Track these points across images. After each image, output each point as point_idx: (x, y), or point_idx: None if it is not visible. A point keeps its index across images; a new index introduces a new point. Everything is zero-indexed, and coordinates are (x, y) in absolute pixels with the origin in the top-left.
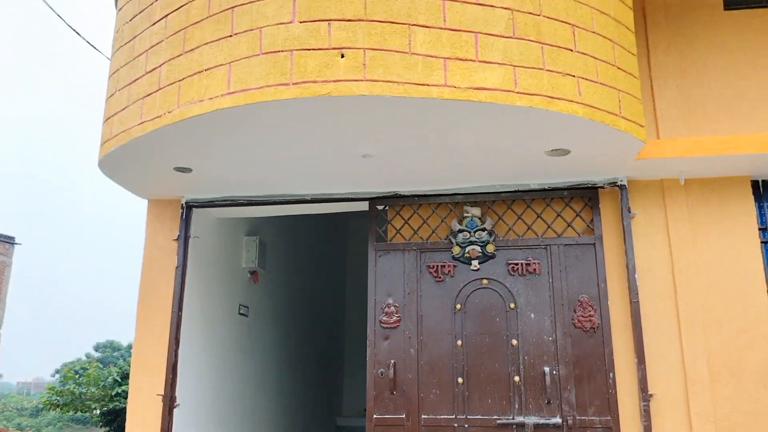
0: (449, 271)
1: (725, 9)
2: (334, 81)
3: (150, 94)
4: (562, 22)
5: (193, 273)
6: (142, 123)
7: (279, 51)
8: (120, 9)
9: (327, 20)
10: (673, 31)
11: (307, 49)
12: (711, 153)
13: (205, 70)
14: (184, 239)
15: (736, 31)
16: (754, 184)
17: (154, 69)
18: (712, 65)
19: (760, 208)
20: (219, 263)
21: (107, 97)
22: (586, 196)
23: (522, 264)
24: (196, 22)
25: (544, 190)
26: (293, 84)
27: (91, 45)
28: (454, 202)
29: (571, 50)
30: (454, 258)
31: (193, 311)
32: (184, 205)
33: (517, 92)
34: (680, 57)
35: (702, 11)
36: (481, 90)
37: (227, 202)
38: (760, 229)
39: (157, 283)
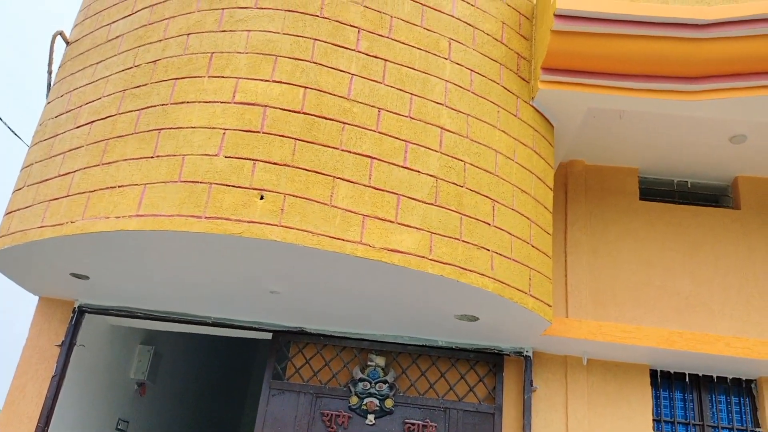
0: (343, 422)
1: (641, 199)
2: (249, 222)
3: (57, 198)
4: (484, 195)
5: (72, 383)
6: (41, 227)
7: (198, 182)
8: (49, 102)
9: (253, 159)
10: (591, 211)
11: (227, 185)
12: (613, 340)
13: (119, 187)
14: (68, 346)
15: (648, 221)
16: (653, 374)
17: (67, 173)
18: (624, 250)
19: (656, 398)
20: (104, 373)
21: (14, 189)
22: (492, 361)
23: (419, 425)
24: (120, 136)
25: (451, 349)
26: (206, 218)
27: (14, 133)
28: (360, 347)
29: (489, 224)
30: (350, 408)
31: (64, 425)
32: (76, 309)
33: (431, 259)
34: (595, 237)
35: (619, 197)
36: (396, 252)
37: (123, 312)
38: (654, 420)
39: (29, 391)
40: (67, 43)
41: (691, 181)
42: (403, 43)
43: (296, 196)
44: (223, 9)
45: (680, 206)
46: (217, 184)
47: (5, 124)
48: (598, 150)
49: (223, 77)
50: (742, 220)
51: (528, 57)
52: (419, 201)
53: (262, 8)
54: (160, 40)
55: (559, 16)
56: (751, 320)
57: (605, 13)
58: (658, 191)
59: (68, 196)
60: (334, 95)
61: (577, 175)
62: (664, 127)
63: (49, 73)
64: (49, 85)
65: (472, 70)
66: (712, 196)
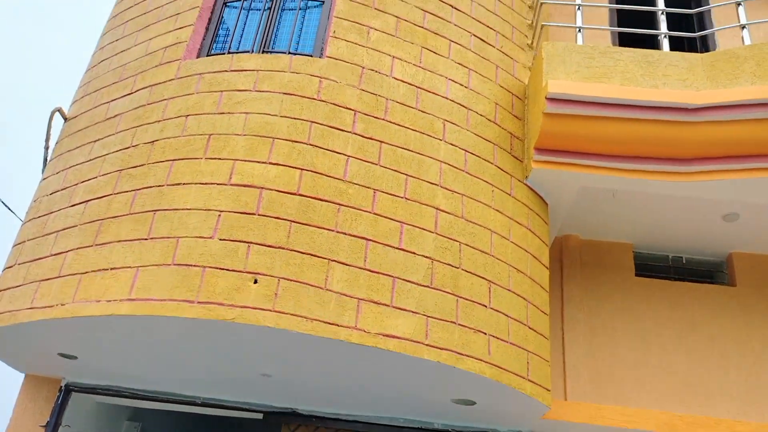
0: None
1: (636, 274)
2: (242, 307)
3: (49, 279)
4: (480, 277)
5: None
6: (31, 309)
7: (192, 265)
8: (44, 178)
9: (248, 242)
10: (587, 287)
11: (220, 269)
12: (613, 423)
13: (111, 269)
14: (54, 427)
15: (644, 298)
16: None
17: (60, 253)
18: (621, 327)
19: None
20: None
21: (5, 266)
22: None
23: None
24: (115, 217)
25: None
26: (198, 303)
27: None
28: (354, 429)
29: (486, 306)
30: None
31: None
32: (62, 387)
33: (427, 344)
34: (592, 315)
35: (615, 273)
36: (391, 338)
37: (111, 391)
38: None
39: None
40: (65, 119)
41: (686, 257)
42: (399, 125)
43: (290, 280)
44: (222, 91)
45: (676, 282)
46: (210, 267)
47: (2, 202)
48: (592, 225)
49: (220, 159)
50: (739, 297)
51: (521, 136)
52: (415, 283)
53: (260, 91)
54: (159, 121)
55: (551, 99)
56: (751, 401)
57: (596, 96)
58: (653, 266)
59: (60, 277)
60: (330, 177)
61: (572, 250)
62: (657, 205)
63: (46, 148)
64: (45, 160)
65: (466, 151)
66: (707, 272)
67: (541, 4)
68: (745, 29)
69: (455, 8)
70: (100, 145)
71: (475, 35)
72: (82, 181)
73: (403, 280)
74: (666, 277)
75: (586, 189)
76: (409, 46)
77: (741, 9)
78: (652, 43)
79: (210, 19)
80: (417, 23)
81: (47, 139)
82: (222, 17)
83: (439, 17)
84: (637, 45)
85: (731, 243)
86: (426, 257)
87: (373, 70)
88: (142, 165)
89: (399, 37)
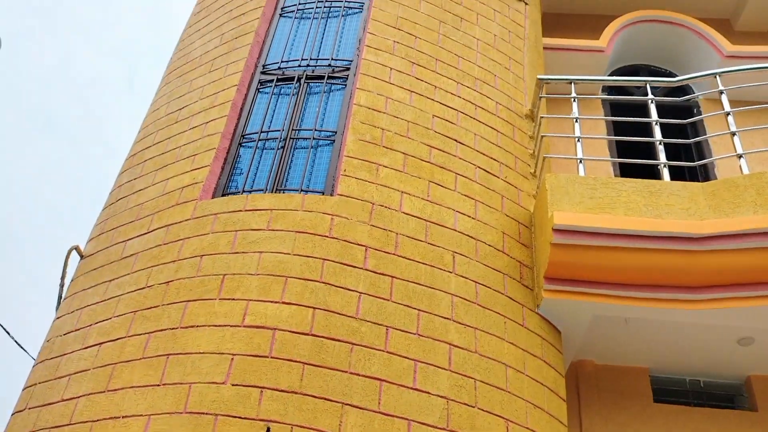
0: None
1: (654, 401)
2: None
3: (59, 426)
4: (497, 415)
5: None
6: None
7: (204, 413)
8: (58, 318)
9: (260, 387)
10: (605, 416)
11: (233, 416)
12: None
13: (123, 417)
14: None
15: (664, 425)
16: None
17: (71, 398)
18: None
19: None
20: None
21: (14, 411)
22: None
23: None
24: (128, 361)
25: None
26: None
27: (21, 347)
28: None
29: None
30: None
31: None
32: None
33: None
34: None
35: (633, 399)
36: None
37: None
38: None
39: None
40: (82, 256)
41: (703, 380)
42: (409, 259)
43: (304, 427)
44: (236, 231)
45: (695, 409)
46: (223, 415)
47: (12, 338)
48: (607, 350)
49: (233, 299)
50: (762, 423)
51: (530, 264)
52: (431, 426)
53: (273, 230)
54: (174, 261)
55: (557, 231)
56: None
57: (600, 227)
58: (671, 391)
59: (70, 424)
60: (343, 315)
61: (588, 376)
62: (671, 331)
63: (61, 286)
64: (60, 298)
65: (476, 282)
66: (726, 396)
67: (542, 137)
68: (742, 158)
69: (459, 142)
70: (115, 285)
71: (479, 167)
72: (96, 323)
73: (419, 422)
74: (685, 402)
75: (599, 317)
76: (416, 181)
77: (737, 139)
78: (651, 168)
79: (226, 159)
80: (424, 158)
81: (63, 277)
82: (238, 156)
83: (444, 152)
84: (638, 170)
85: (749, 366)
86: (441, 397)
87: (383, 206)
88: (157, 306)
89: (407, 173)
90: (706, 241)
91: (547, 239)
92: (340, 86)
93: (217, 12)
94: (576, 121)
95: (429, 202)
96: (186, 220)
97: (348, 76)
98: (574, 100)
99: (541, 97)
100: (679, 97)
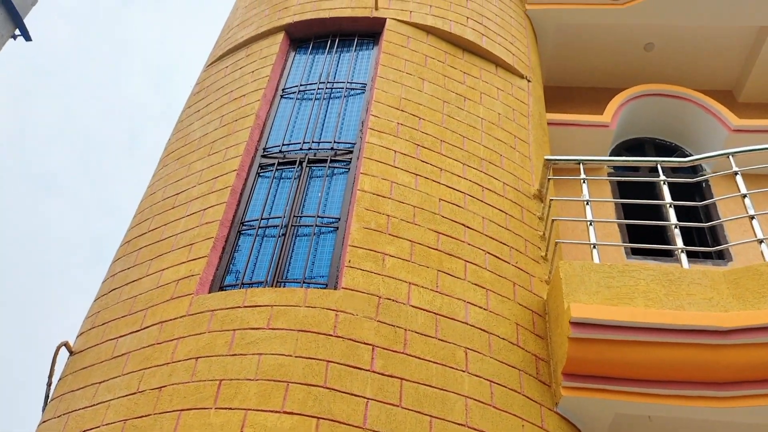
0: None
1: None
2: None
3: None
4: None
5: None
6: None
7: None
8: (43, 422)
9: None
10: None
11: None
12: None
13: None
14: None
15: None
16: None
17: None
18: None
19: None
20: None
21: None
22: None
23: None
24: None
25: None
26: None
27: None
28: None
29: None
30: None
31: None
32: None
33: None
34: None
35: None
36: None
37: None
38: None
39: None
40: (71, 353)
41: None
42: (419, 358)
43: None
44: (234, 330)
45: None
46: None
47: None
48: None
49: (231, 408)
50: None
51: (545, 357)
52: None
53: (274, 329)
54: (168, 363)
55: (575, 324)
56: None
57: (621, 321)
58: None
59: None
60: (349, 425)
61: None
62: (698, 429)
63: (48, 385)
64: (46, 398)
65: (491, 381)
66: None
67: (553, 220)
68: (763, 243)
69: (468, 227)
70: (105, 388)
71: (489, 253)
72: (84, 431)
73: None
74: None
75: (621, 415)
76: (424, 270)
77: (755, 222)
78: (663, 239)
79: (224, 249)
80: (431, 246)
81: (50, 375)
82: (237, 245)
83: (452, 238)
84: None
85: None
86: None
87: (390, 299)
88: (149, 415)
89: (414, 262)
90: (732, 335)
91: (564, 332)
92: (343, 170)
93: (216, 93)
94: (587, 203)
95: (438, 293)
96: (181, 317)
97: (351, 159)
98: (584, 182)
99: (549, 178)
100: (689, 175)
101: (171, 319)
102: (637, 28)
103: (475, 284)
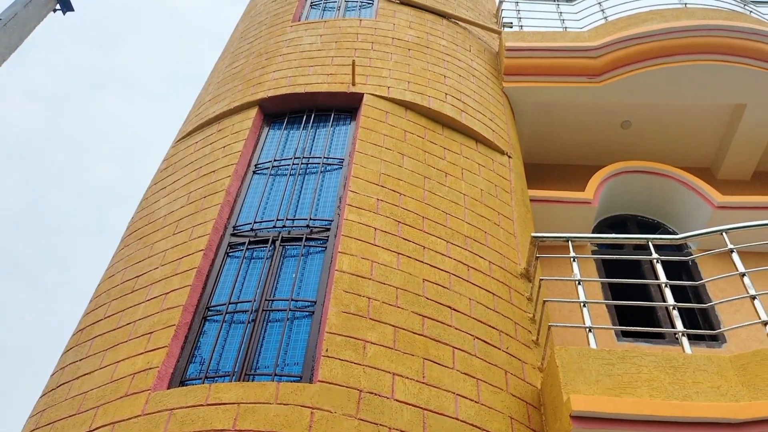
0: None
1: None
2: None
3: None
4: None
5: None
6: None
7: None
8: None
9: None
10: None
11: None
12: None
13: None
14: None
15: None
16: None
17: None
18: None
19: None
20: None
21: None
22: None
23: None
24: None
25: None
26: None
27: None
28: None
29: None
30: None
31: None
32: None
33: None
34: None
35: None
36: None
37: None
38: None
39: None
40: None
41: None
42: None
43: None
44: None
45: None
46: None
47: None
48: None
49: None
50: None
51: None
52: None
53: (240, 430)
54: None
55: (576, 418)
56: None
57: (625, 414)
58: None
59: None
60: None
61: None
62: None
63: None
64: None
65: None
66: None
67: (545, 301)
68: (767, 326)
69: (454, 309)
70: None
71: (478, 338)
72: None
73: None
74: None
75: None
76: (409, 359)
77: (758, 302)
78: (651, 317)
79: (187, 338)
80: (416, 331)
81: None
82: (201, 333)
83: (438, 321)
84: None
85: None
86: None
87: (372, 392)
88: None
89: (398, 350)
90: (746, 427)
91: (564, 427)
92: (320, 249)
93: (185, 169)
94: (578, 283)
95: (425, 384)
96: (135, 417)
97: (328, 237)
98: (574, 260)
99: (537, 257)
100: (675, 253)
101: (124, 420)
102: (614, 106)
103: (465, 373)
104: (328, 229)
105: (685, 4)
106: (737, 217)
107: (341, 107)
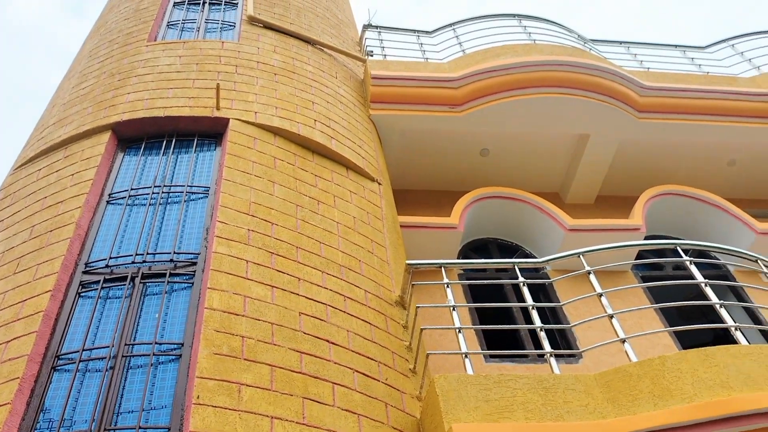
0: None
1: None
2: None
3: None
4: None
5: None
6: None
7: None
8: None
9: None
10: None
11: None
12: None
13: None
14: None
15: None
16: None
17: None
18: None
19: None
20: None
21: None
22: None
23: None
24: None
25: None
26: None
27: None
28: None
29: None
30: None
31: None
32: None
33: None
34: None
35: None
36: None
37: None
38: None
39: None
40: None
41: None
42: None
43: None
44: None
45: None
46: None
47: None
48: None
49: None
50: None
51: None
52: None
53: None
54: None
55: None
56: None
57: None
58: None
59: None
60: None
61: None
62: None
63: None
64: None
65: None
66: None
67: (422, 329)
68: (626, 343)
69: (332, 343)
70: None
71: (357, 371)
72: None
73: None
74: None
75: None
76: (288, 399)
77: (615, 321)
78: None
79: (33, 392)
80: (294, 369)
81: None
82: (50, 386)
83: (317, 357)
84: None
85: None
86: None
87: None
88: None
89: (276, 391)
90: None
91: None
92: (186, 285)
93: (26, 200)
94: (453, 309)
95: (306, 425)
96: None
97: (195, 272)
98: (448, 287)
99: (413, 284)
100: (533, 274)
101: None
102: (474, 135)
103: (346, 410)
104: (195, 263)
105: (534, 40)
106: (586, 238)
107: (205, 132)
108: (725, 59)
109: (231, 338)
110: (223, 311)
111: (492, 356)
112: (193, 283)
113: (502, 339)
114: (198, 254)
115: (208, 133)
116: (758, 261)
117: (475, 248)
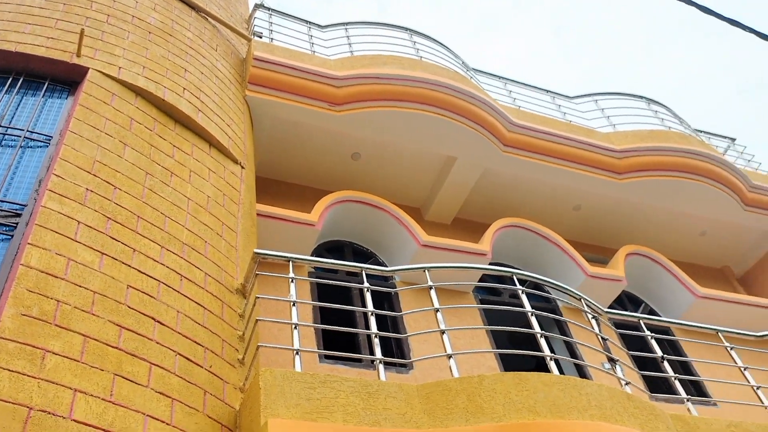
0: None
1: None
2: None
3: None
4: None
5: None
6: None
7: None
8: None
9: None
10: None
11: None
12: None
13: None
14: None
15: None
16: None
17: None
18: None
19: None
20: None
21: None
22: None
23: None
24: None
25: None
26: None
27: None
28: None
29: None
30: None
31: None
32: None
33: None
34: None
35: None
36: None
37: None
38: None
39: None
40: None
41: None
42: None
43: None
44: None
45: None
46: None
47: None
48: None
49: None
50: None
51: None
52: None
53: None
54: None
55: None
56: None
57: None
58: None
59: None
60: None
61: None
62: None
63: None
64: None
65: None
66: None
67: (257, 320)
68: (452, 359)
69: (159, 322)
70: None
71: (180, 354)
72: None
73: None
74: None
75: None
76: (98, 374)
77: (446, 337)
78: (353, 341)
79: None
80: (110, 343)
81: None
82: None
83: (138, 334)
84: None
85: None
86: None
87: (45, 411)
88: None
89: (86, 363)
90: None
91: None
92: (5, 237)
93: None
94: (293, 305)
95: (111, 403)
96: None
97: (18, 224)
98: (292, 281)
99: (257, 274)
100: (381, 282)
101: None
102: (348, 137)
103: (160, 392)
104: (19, 215)
105: (421, 57)
106: (438, 256)
107: (59, 78)
108: (587, 112)
109: (44, 300)
110: (41, 271)
111: (327, 357)
112: (12, 236)
113: (344, 343)
114: (24, 206)
115: (62, 79)
116: (582, 300)
117: (330, 249)
